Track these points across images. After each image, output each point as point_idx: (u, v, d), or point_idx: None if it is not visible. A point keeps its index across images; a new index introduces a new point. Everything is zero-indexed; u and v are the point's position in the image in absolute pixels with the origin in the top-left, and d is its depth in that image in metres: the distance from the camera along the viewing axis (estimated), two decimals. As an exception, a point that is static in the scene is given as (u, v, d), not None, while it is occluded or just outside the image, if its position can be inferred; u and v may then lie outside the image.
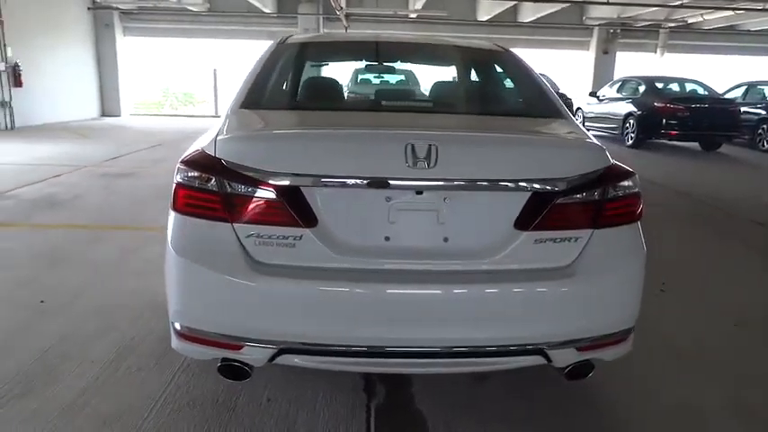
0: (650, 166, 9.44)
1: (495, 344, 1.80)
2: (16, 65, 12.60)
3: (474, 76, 3.15)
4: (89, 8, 16.09)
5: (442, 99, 2.74)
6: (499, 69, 2.90)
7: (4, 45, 12.24)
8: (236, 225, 1.77)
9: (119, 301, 3.19)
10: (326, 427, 2.12)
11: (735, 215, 6.11)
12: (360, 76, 7.90)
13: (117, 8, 16.40)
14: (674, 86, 12.95)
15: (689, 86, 12.78)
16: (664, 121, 11.37)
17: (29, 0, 13.01)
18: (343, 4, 15.63)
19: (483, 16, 16.46)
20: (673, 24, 16.74)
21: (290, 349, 1.79)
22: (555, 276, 1.80)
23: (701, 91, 12.65)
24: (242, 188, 1.76)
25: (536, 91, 2.49)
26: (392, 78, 7.63)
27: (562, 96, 11.67)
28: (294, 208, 1.75)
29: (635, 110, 11.96)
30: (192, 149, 1.92)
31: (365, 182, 1.73)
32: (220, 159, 1.79)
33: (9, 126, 12.45)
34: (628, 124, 12.15)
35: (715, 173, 9.25)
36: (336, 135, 1.88)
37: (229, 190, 1.77)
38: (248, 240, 1.77)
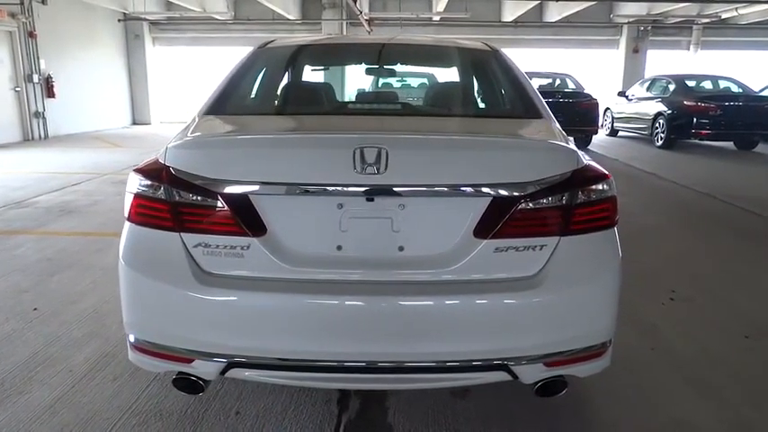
0: (678, 167, 9.10)
1: (452, 359, 1.70)
2: (49, 76, 13.01)
3: (455, 77, 3.05)
4: (119, 20, 16.52)
5: (415, 101, 2.65)
6: (482, 70, 2.79)
7: (38, 57, 12.64)
8: (183, 235, 1.72)
9: (111, 307, 3.20)
10: (291, 443, 2.05)
11: (764, 217, 5.81)
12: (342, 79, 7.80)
13: (146, 19, 16.79)
14: (707, 84, 12.50)
15: (722, 84, 12.31)
16: (695, 120, 10.97)
17: (61, 13, 13.42)
18: (366, 9, 15.64)
19: (508, 17, 16.22)
20: (706, 20, 16.17)
21: (240, 363, 1.72)
22: (517, 287, 1.69)
23: (734, 88, 12.17)
24: (189, 196, 1.72)
25: (517, 91, 2.37)
26: (374, 80, 7.49)
27: (586, 97, 11.38)
28: (241, 216, 1.69)
29: (665, 109, 11.58)
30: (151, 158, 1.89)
31: (312, 189, 1.66)
32: (169, 167, 1.74)
33: (43, 136, 12.85)
34: (657, 124, 11.76)
35: (749, 173, 8.84)
36: (282, 140, 1.82)
37: (177, 198, 1.72)
38: (196, 250, 1.72)
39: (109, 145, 11.73)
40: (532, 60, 17.13)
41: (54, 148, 11.15)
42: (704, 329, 3.08)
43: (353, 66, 2.94)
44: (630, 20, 16.26)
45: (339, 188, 1.66)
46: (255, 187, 1.68)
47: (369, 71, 3.06)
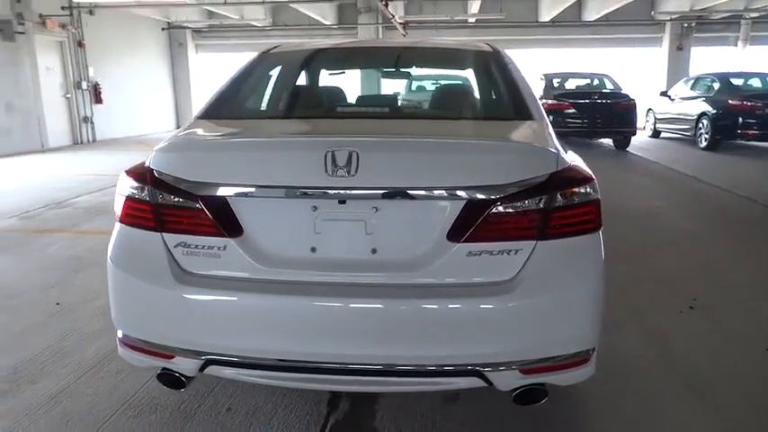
0: (721, 170, 8.74)
1: (423, 363, 1.69)
2: (97, 83, 13.59)
3: (453, 79, 3.02)
4: (163, 28, 17.10)
5: (404, 104, 2.65)
6: (479, 71, 2.76)
7: (86, 65, 13.23)
8: (165, 235, 1.78)
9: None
10: (275, 440, 2.08)
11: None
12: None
13: (189, 27, 17.34)
14: (755, 82, 11.97)
15: (772, 81, 11.78)
16: (740, 119, 10.53)
17: (108, 23, 14.00)
18: (401, 12, 15.68)
19: (544, 17, 15.95)
20: (755, 14, 15.47)
21: (217, 361, 1.77)
22: (490, 292, 1.67)
23: (785, 86, 11.62)
24: (170, 198, 1.78)
25: (511, 93, 2.34)
26: (373, 84, 7.38)
27: (624, 97, 11.07)
28: (218, 217, 1.74)
29: (708, 109, 11.14)
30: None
31: (286, 191, 1.69)
32: (153, 170, 1.81)
33: (90, 140, 13.43)
34: (701, 125, 11.33)
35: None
36: (256, 144, 1.86)
37: (160, 200, 1.79)
38: (177, 250, 1.78)
39: (151, 149, 12.13)
40: (571, 61, 16.81)
41: (101, 151, 11.65)
42: (720, 340, 2.95)
43: (354, 70, 2.96)
44: (673, 16, 15.72)
45: (312, 191, 1.68)
46: (232, 190, 1.73)
47: (365, 74, 3.09)
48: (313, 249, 1.74)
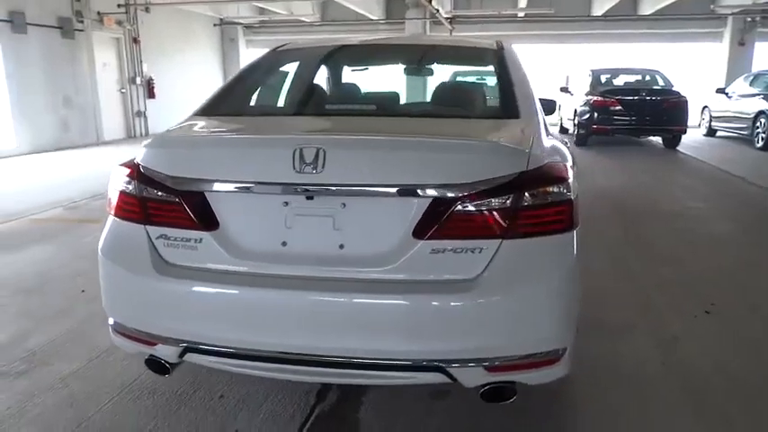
0: (774, 171, 8.30)
1: (386, 357, 1.72)
2: (150, 78, 14.15)
3: (445, 77, 3.00)
4: (215, 24, 17.58)
5: (391, 102, 2.65)
6: (477, 69, 2.74)
7: (141, 61, 13.79)
8: (148, 227, 1.87)
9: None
10: (259, 430, 2.15)
11: None
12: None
13: (240, 23, 17.77)
14: (821, 78, 11.27)
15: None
16: (802, 119, 9.94)
17: (162, 20, 14.52)
18: (449, 7, 15.56)
19: (597, 11, 15.47)
20: (828, 7, 14.52)
21: (194, 349, 1.85)
22: (454, 289, 1.67)
23: None
24: (153, 192, 1.86)
25: (504, 91, 2.32)
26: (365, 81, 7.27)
27: (674, 94, 10.62)
28: (195, 211, 1.81)
29: (767, 107, 10.56)
30: None
31: (258, 187, 1.75)
32: (139, 165, 1.91)
33: (143, 133, 13.99)
34: (758, 124, 10.76)
35: None
36: (231, 140, 1.92)
37: (144, 194, 1.88)
38: (158, 242, 1.86)
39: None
40: (625, 56, 16.25)
41: (150, 144, 12.09)
42: (732, 347, 2.83)
43: (349, 68, 3.00)
44: (735, 10, 14.93)
45: (282, 186, 1.73)
46: (209, 185, 1.80)
47: (355, 71, 3.11)
48: (284, 243, 1.79)
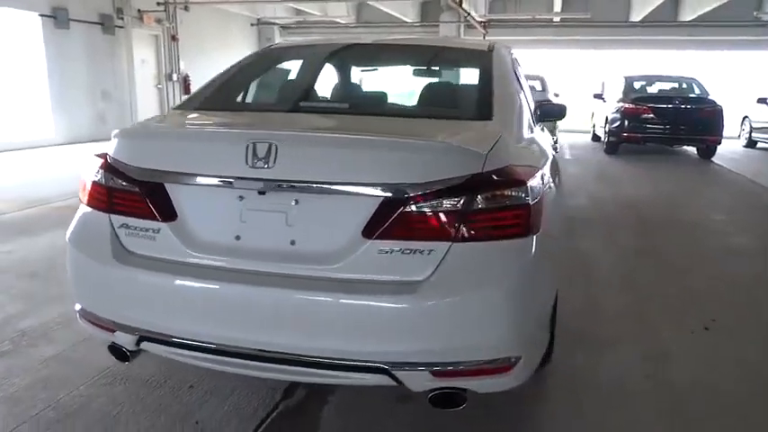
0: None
1: (331, 356, 1.71)
2: (186, 75, 14.49)
3: (427, 78, 2.94)
4: (252, 24, 17.89)
5: (371, 102, 2.63)
6: (461, 70, 2.70)
7: (178, 58, 14.13)
8: (112, 216, 1.92)
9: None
10: (219, 422, 2.17)
11: None
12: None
13: (277, 23, 18.03)
14: None
15: None
16: None
17: (201, 19, 14.87)
18: (483, 11, 15.44)
19: (635, 16, 15.10)
20: None
21: (149, 338, 1.87)
22: (399, 291, 1.65)
23: None
24: (118, 182, 1.91)
25: (482, 92, 2.28)
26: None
27: (709, 103, 10.26)
28: (154, 202, 1.84)
29: (810, 119, 10.13)
30: None
31: (213, 180, 1.77)
32: (107, 155, 1.95)
33: (178, 128, 14.33)
34: (799, 135, 10.32)
35: None
36: (189, 133, 1.94)
37: (111, 183, 1.92)
38: (120, 230, 1.90)
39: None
40: (664, 63, 15.82)
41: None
42: (725, 365, 2.72)
43: (331, 67, 3.00)
44: (782, 18, 14.37)
45: (235, 180, 1.74)
46: (167, 176, 1.83)
47: (340, 70, 3.11)
48: (237, 237, 1.80)
